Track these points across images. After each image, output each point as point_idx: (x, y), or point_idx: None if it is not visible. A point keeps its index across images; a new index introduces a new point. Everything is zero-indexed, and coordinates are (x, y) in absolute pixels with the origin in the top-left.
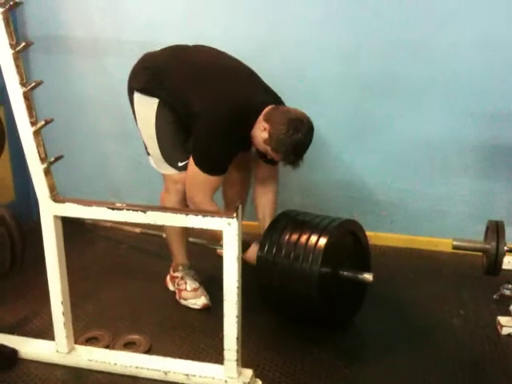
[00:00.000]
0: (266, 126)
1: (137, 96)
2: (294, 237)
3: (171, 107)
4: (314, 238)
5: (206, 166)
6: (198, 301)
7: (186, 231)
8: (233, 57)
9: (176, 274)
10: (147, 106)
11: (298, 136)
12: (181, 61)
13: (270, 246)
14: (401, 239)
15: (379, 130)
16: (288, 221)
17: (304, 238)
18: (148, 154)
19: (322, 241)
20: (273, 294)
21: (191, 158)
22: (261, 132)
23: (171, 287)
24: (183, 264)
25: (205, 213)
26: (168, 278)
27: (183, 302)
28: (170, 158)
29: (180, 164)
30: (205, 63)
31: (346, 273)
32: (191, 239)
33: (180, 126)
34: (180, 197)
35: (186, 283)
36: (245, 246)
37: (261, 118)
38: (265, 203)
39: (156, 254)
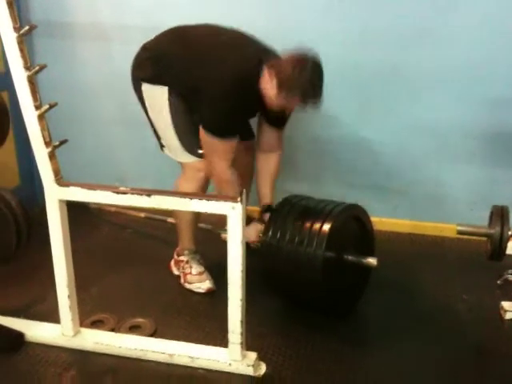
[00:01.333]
0: (272, 72)
1: (145, 86)
2: (299, 221)
3: (180, 94)
4: (318, 223)
5: (216, 130)
6: (202, 285)
7: (197, 219)
8: (231, 28)
9: (181, 258)
10: (158, 96)
11: (306, 72)
12: (181, 43)
13: (274, 230)
14: (405, 225)
15: (384, 117)
16: (292, 206)
17: (308, 222)
18: (162, 146)
19: (327, 225)
20: (277, 279)
21: (201, 128)
22: (270, 83)
23: (176, 271)
24: (189, 248)
25: (208, 197)
26: (172, 262)
27: (187, 285)
28: (188, 146)
29: (200, 151)
30: (204, 40)
31: (350, 257)
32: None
33: (192, 112)
34: (200, 183)
35: (191, 267)
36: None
37: (265, 69)
38: (267, 170)
39: (161, 238)
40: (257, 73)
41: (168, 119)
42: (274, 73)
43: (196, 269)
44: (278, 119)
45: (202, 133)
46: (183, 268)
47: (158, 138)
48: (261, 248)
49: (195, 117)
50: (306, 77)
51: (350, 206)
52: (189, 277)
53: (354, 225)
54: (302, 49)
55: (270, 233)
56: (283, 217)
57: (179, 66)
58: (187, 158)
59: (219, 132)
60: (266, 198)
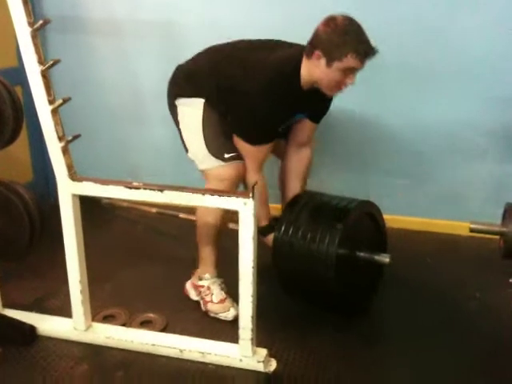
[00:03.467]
0: (313, 52)
1: (181, 101)
2: (312, 218)
3: (215, 105)
4: (331, 220)
5: (248, 137)
6: (227, 314)
7: (220, 235)
8: (266, 39)
9: (202, 283)
10: (193, 106)
11: (343, 27)
12: (218, 54)
13: (286, 226)
14: (418, 222)
15: (397, 115)
16: (305, 202)
17: (321, 219)
18: (186, 149)
19: (339, 222)
20: (289, 275)
21: (234, 136)
22: (318, 66)
23: (194, 296)
24: (211, 272)
25: (221, 193)
26: (190, 285)
27: (212, 314)
28: (215, 151)
29: (226, 155)
30: (241, 46)
31: (362, 254)
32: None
33: (225, 121)
34: None
35: (212, 294)
36: (269, 229)
37: (304, 59)
38: (300, 166)
39: (172, 234)
40: (297, 72)
41: (199, 127)
42: (317, 50)
43: (217, 296)
44: (318, 113)
45: (238, 141)
46: (204, 294)
47: (185, 145)
48: (273, 244)
49: (228, 119)
50: (345, 30)
51: (363, 202)
52: (210, 305)
53: (366, 222)
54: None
55: (283, 229)
56: (296, 213)
57: (216, 72)
58: (211, 163)
59: (253, 139)
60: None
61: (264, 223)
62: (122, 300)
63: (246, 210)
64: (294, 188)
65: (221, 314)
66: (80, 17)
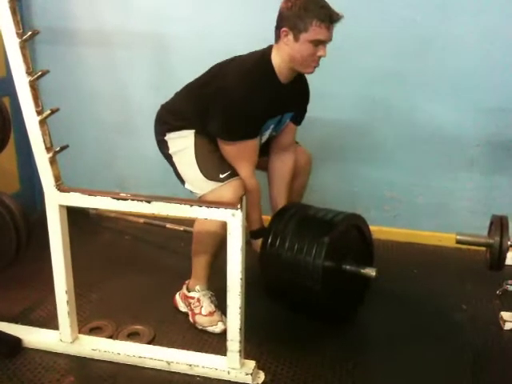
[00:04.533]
0: (282, 29)
1: (170, 135)
2: (299, 229)
3: (204, 130)
4: (317, 232)
5: (231, 136)
6: (215, 328)
7: (219, 253)
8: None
9: (192, 295)
10: (184, 137)
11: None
12: (189, 87)
13: (274, 236)
14: (404, 234)
15: (383, 125)
16: (293, 213)
17: (308, 231)
18: (183, 181)
19: (326, 235)
20: (276, 286)
21: (218, 140)
22: (288, 44)
23: (182, 308)
24: (202, 284)
25: (209, 204)
26: (180, 295)
27: (199, 327)
28: (210, 174)
29: (221, 175)
30: (207, 73)
31: (349, 267)
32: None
33: (216, 145)
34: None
35: (201, 306)
36: (261, 232)
37: (274, 47)
38: (283, 172)
39: (160, 245)
40: (271, 64)
41: (192, 158)
42: (283, 27)
43: (206, 308)
44: (299, 112)
45: (221, 143)
46: (193, 306)
47: (180, 176)
48: (260, 255)
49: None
50: (305, 2)
51: (350, 215)
52: (198, 318)
53: (353, 234)
54: None
55: (270, 240)
56: (283, 224)
57: (195, 99)
58: (208, 186)
59: (236, 135)
60: (280, 200)
61: (256, 227)
62: (108, 311)
63: (234, 221)
64: (279, 191)
65: (208, 328)
66: (69, 27)
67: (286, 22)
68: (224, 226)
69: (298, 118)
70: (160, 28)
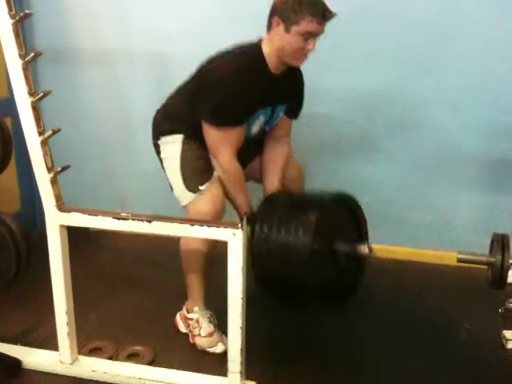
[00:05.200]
0: (274, 18)
1: (162, 140)
2: (286, 212)
3: (194, 138)
4: (305, 212)
5: (216, 120)
6: (215, 349)
7: (209, 270)
8: None
9: (191, 316)
10: (173, 142)
11: None
12: (180, 89)
13: (261, 223)
14: (405, 252)
15: (384, 143)
16: (281, 198)
17: (296, 212)
18: (171, 189)
19: (313, 214)
20: (267, 273)
21: (203, 123)
22: (278, 34)
23: (183, 328)
24: (200, 304)
25: (209, 223)
26: (180, 316)
27: (199, 348)
28: (191, 185)
29: (201, 187)
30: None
31: (340, 247)
32: None
33: (205, 155)
34: None
35: (200, 328)
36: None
37: (265, 38)
38: (275, 157)
39: (161, 263)
40: (262, 54)
41: (177, 163)
42: (275, 16)
43: (205, 329)
44: (294, 105)
45: (204, 127)
46: (192, 327)
47: (171, 188)
48: (248, 242)
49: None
50: None
51: (340, 194)
52: (197, 339)
53: (344, 214)
54: None
55: (258, 224)
56: (271, 209)
57: (185, 98)
58: (189, 197)
59: (221, 120)
60: (273, 186)
61: (244, 210)
62: (108, 331)
63: (235, 241)
64: (272, 176)
65: (208, 349)
66: (70, 46)
67: (279, 11)
68: (206, 241)
69: (293, 112)
70: (161, 46)
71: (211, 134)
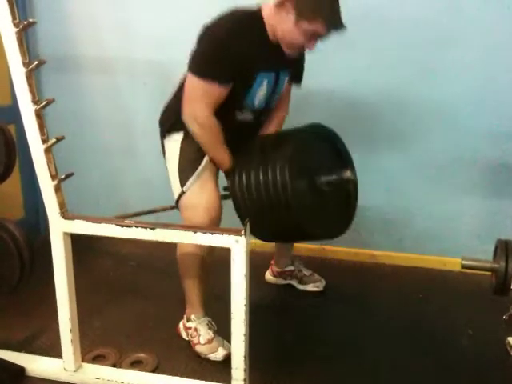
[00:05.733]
0: (287, 2)
1: (166, 138)
2: (264, 154)
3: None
4: (281, 150)
5: (201, 69)
6: (216, 355)
7: (207, 277)
8: None
9: (189, 325)
10: (175, 141)
11: None
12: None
13: (239, 171)
14: (409, 258)
15: (387, 150)
16: (256, 142)
17: (273, 152)
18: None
19: (288, 148)
20: (255, 220)
21: (187, 74)
22: (284, 18)
23: (185, 336)
24: (197, 312)
25: (212, 230)
26: (181, 325)
27: (202, 355)
28: (183, 179)
29: (192, 176)
30: None
31: (321, 178)
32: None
33: (203, 153)
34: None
35: (199, 335)
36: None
37: (272, 8)
38: (274, 119)
39: (164, 271)
40: (260, 18)
41: (176, 160)
42: (289, 2)
43: (204, 336)
44: (294, 73)
45: (189, 76)
46: (192, 336)
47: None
48: (230, 191)
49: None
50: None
51: (315, 126)
52: (198, 347)
53: (323, 146)
54: None
55: (236, 174)
56: (248, 155)
57: (181, 83)
58: (180, 189)
59: (206, 72)
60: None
61: (227, 166)
62: (112, 339)
63: (238, 248)
64: (267, 131)
65: (210, 355)
66: (73, 55)
67: (296, 2)
68: (201, 246)
69: (296, 77)
70: (163, 54)
71: (192, 83)
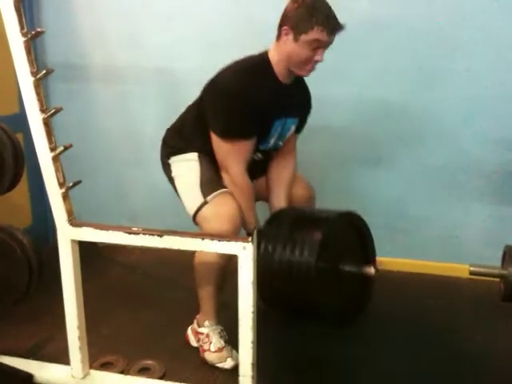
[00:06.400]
0: (283, 27)
1: (175, 158)
2: (291, 231)
3: (209, 154)
4: (310, 231)
5: (225, 130)
6: (224, 365)
7: (223, 285)
8: None
9: (201, 330)
10: (187, 160)
11: (314, 2)
12: (190, 107)
13: (265, 243)
14: (417, 265)
15: (394, 156)
16: (285, 216)
17: (301, 231)
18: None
19: (319, 233)
20: (273, 294)
21: (212, 135)
22: (286, 42)
23: (194, 343)
24: (211, 319)
25: (220, 237)
26: (190, 330)
27: (209, 362)
28: (208, 190)
29: (214, 193)
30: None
31: (346, 267)
32: None
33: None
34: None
35: (210, 342)
36: None
37: (273, 46)
38: (281, 175)
39: (171, 279)
40: (268, 62)
41: (196, 181)
42: (285, 25)
43: (215, 344)
44: (300, 122)
45: (214, 138)
46: (202, 342)
47: (185, 205)
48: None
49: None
50: (312, 5)
51: (346, 213)
52: (207, 354)
53: (350, 233)
54: None
55: (262, 246)
56: (275, 227)
57: (196, 114)
58: (200, 202)
59: (231, 134)
60: (279, 203)
61: (251, 228)
62: (119, 346)
63: (245, 255)
64: (278, 195)
65: (218, 364)
66: (82, 64)
67: (289, 21)
68: (223, 255)
69: (299, 126)
70: (170, 64)
71: (221, 146)
